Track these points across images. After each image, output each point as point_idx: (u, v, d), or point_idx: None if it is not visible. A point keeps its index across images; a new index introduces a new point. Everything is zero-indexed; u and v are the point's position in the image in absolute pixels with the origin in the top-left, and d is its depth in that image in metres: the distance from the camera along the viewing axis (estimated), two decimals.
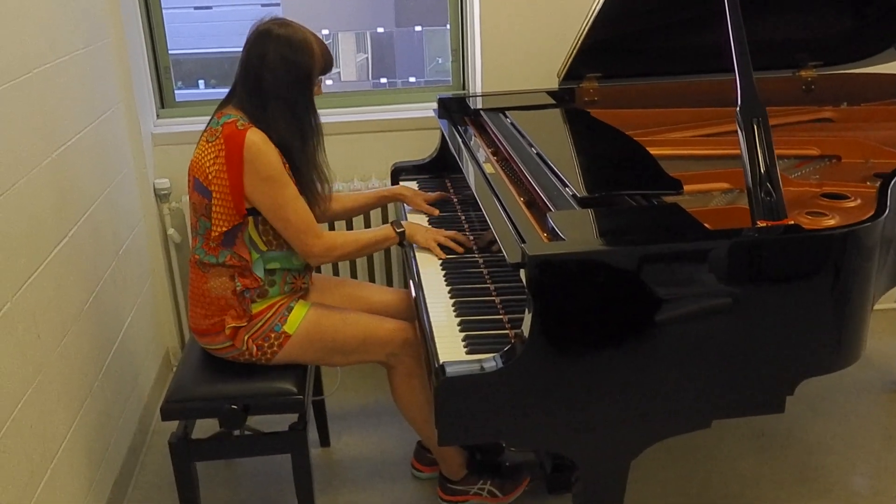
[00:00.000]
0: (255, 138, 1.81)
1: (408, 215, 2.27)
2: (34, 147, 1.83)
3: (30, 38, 1.85)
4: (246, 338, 1.91)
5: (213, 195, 1.84)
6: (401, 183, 2.46)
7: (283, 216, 1.86)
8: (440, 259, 1.98)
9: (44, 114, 1.90)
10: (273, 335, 1.91)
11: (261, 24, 1.86)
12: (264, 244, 1.91)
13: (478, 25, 2.76)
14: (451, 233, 2.05)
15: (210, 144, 1.85)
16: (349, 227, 2.75)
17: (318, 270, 2.78)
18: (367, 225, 2.76)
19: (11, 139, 1.70)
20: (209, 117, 1.94)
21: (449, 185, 2.47)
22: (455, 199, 2.35)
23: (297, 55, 1.83)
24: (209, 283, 1.91)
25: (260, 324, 1.91)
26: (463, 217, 2.23)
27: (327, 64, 1.91)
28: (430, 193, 2.33)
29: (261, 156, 1.81)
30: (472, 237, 2.06)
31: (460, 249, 2.01)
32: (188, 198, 1.94)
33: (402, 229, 2.03)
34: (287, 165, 1.87)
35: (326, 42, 1.93)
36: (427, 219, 2.24)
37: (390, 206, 2.80)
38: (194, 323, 1.97)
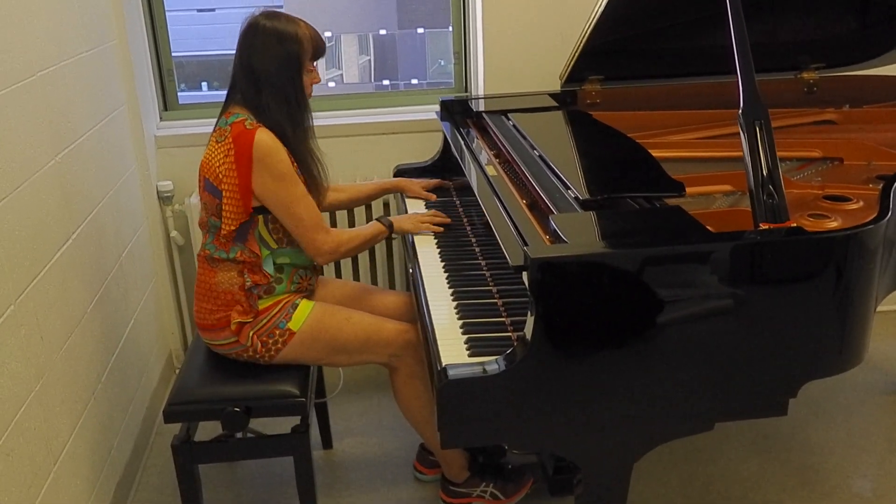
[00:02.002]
0: (265, 137, 1.83)
1: (408, 206, 2.34)
2: (39, 149, 1.83)
3: (35, 41, 1.85)
4: (251, 334, 1.91)
5: (224, 194, 1.85)
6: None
7: (294, 213, 1.88)
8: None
9: (49, 116, 1.91)
10: (278, 332, 1.92)
11: (251, 18, 1.90)
12: (275, 242, 1.93)
13: (480, 27, 2.76)
14: (432, 211, 2.16)
15: (220, 145, 1.87)
16: (349, 217, 2.79)
17: (321, 273, 2.79)
18: (370, 217, 2.79)
19: (17, 141, 1.71)
20: (214, 118, 1.96)
21: (451, 187, 2.47)
22: (452, 188, 2.41)
23: (286, 43, 1.87)
24: (217, 278, 1.92)
25: (265, 320, 1.92)
26: (466, 221, 2.23)
27: (318, 50, 1.94)
28: (427, 181, 2.42)
29: (271, 154, 1.83)
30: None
31: (447, 220, 2.13)
32: (199, 197, 1.96)
33: (389, 222, 2.09)
34: (294, 163, 1.89)
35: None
36: (424, 204, 2.33)
37: (388, 203, 2.81)
38: (199, 318, 1.98)
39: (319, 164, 2.01)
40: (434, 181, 2.41)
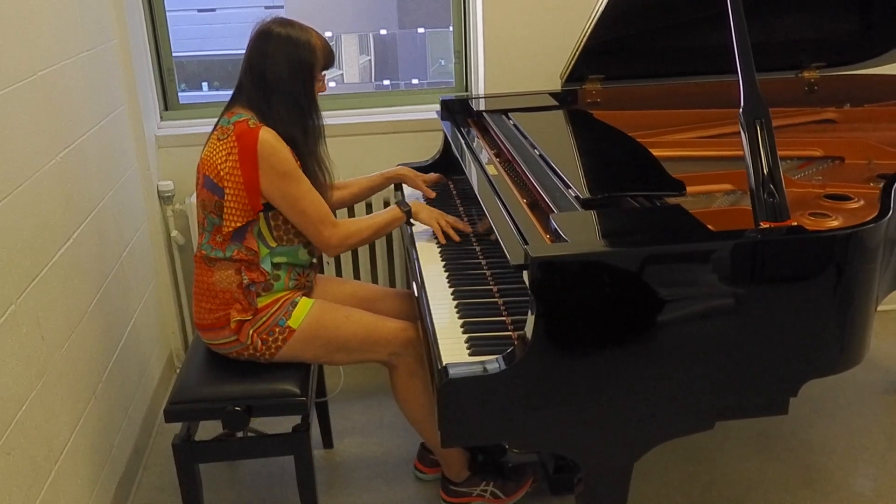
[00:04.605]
0: (269, 136, 1.84)
1: (406, 197, 2.34)
2: (40, 149, 1.83)
3: (36, 41, 1.86)
4: (251, 332, 1.91)
5: (226, 192, 1.86)
6: (404, 186, 2.47)
7: (300, 209, 1.89)
8: (439, 243, 2.05)
9: (49, 116, 1.91)
10: (278, 329, 1.92)
11: (263, 24, 1.91)
12: (274, 239, 1.94)
13: (480, 27, 2.76)
14: (454, 219, 2.10)
15: (222, 142, 1.87)
16: (350, 213, 2.77)
17: (321, 271, 2.79)
18: (370, 212, 2.77)
19: (17, 141, 1.71)
20: (214, 118, 1.97)
21: (452, 186, 2.47)
22: (452, 188, 2.38)
23: (300, 52, 1.88)
24: (215, 277, 1.92)
25: (265, 318, 1.92)
26: (466, 219, 2.23)
27: (328, 59, 1.95)
28: (429, 175, 2.40)
29: (276, 153, 1.84)
30: (472, 230, 2.11)
31: (457, 238, 2.06)
32: (196, 195, 1.96)
33: (407, 208, 2.08)
34: (297, 161, 1.90)
35: (330, 44, 1.96)
36: (425, 201, 2.31)
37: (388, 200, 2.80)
38: (199, 318, 1.98)
39: (326, 171, 2.01)
40: (434, 175, 2.41)
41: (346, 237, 1.97)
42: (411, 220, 2.10)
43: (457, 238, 2.06)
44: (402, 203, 2.09)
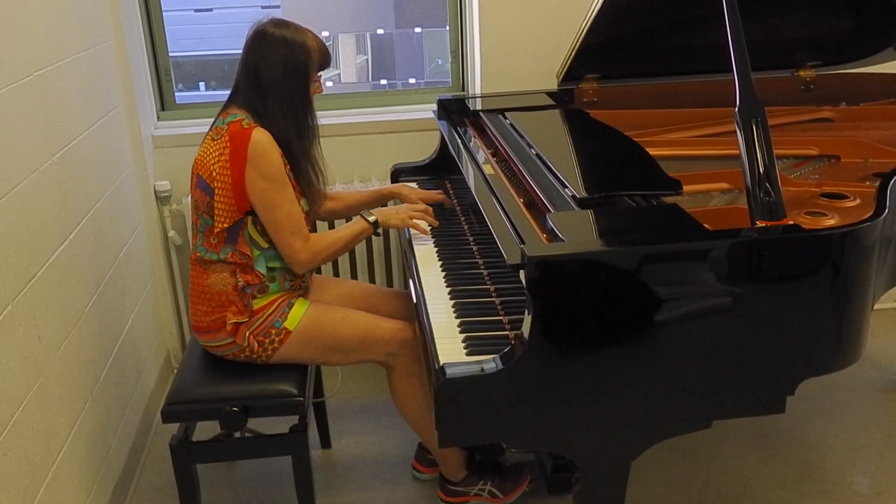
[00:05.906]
0: (261, 137, 1.84)
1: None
2: (36, 149, 1.83)
3: (31, 41, 1.85)
4: (247, 334, 1.91)
5: (216, 192, 1.86)
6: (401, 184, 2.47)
7: (276, 217, 1.87)
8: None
9: (45, 116, 1.90)
10: (274, 331, 1.92)
11: (259, 25, 1.90)
12: (265, 241, 1.93)
13: (477, 27, 2.76)
14: (424, 206, 2.09)
15: (215, 143, 1.87)
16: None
17: (319, 271, 2.79)
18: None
19: (13, 141, 1.71)
20: (211, 118, 1.97)
21: (448, 186, 2.47)
22: (456, 206, 2.31)
23: (295, 53, 1.87)
24: (210, 279, 1.92)
25: (261, 320, 1.92)
26: (463, 219, 2.23)
27: (324, 61, 1.94)
28: (428, 192, 2.34)
29: (265, 154, 1.83)
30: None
31: (436, 223, 2.08)
32: (190, 195, 1.96)
33: (373, 218, 2.04)
34: (287, 166, 1.89)
35: (326, 44, 1.96)
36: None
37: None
38: (195, 320, 1.98)
39: (320, 174, 2.00)
40: (435, 194, 2.29)
41: (316, 253, 1.93)
42: (378, 232, 2.07)
43: (435, 223, 2.07)
44: (367, 213, 2.04)
